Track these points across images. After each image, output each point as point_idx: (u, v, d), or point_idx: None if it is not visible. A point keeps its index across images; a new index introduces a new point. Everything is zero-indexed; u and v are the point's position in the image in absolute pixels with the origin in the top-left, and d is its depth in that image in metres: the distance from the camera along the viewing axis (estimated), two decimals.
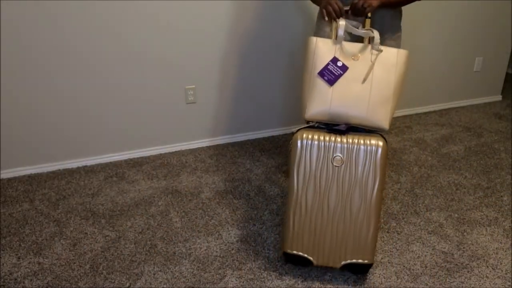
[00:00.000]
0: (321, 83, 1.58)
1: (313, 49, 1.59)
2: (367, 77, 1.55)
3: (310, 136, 1.54)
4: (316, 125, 1.64)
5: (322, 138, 1.54)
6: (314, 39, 1.60)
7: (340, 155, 1.54)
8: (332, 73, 1.57)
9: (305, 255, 1.62)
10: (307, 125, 1.65)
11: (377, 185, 1.53)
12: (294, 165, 1.55)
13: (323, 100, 1.56)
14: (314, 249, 1.62)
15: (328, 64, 1.57)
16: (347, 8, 1.72)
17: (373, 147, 1.50)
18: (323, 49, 1.59)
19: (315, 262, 1.63)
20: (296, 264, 1.66)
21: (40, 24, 2.13)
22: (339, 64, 1.57)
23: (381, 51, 1.56)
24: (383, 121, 1.56)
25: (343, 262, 1.61)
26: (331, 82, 1.55)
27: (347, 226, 1.58)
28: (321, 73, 1.57)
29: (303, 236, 1.61)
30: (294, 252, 1.63)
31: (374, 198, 1.54)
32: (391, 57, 1.57)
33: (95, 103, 2.39)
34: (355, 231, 1.57)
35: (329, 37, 1.87)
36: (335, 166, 1.54)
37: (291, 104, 2.85)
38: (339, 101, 1.56)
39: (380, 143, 1.50)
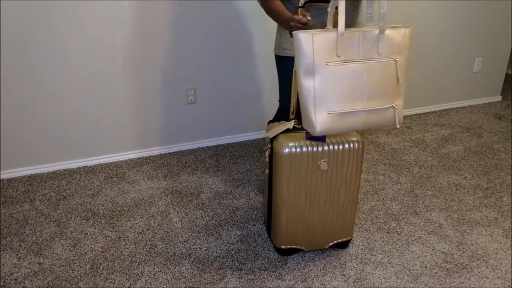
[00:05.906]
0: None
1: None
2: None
3: (296, 144, 1.54)
4: (291, 127, 1.62)
5: (307, 143, 1.55)
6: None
7: (326, 160, 1.56)
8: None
9: (298, 247, 1.74)
10: (281, 125, 1.62)
11: (358, 176, 1.63)
12: (283, 177, 1.58)
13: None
14: (305, 240, 1.72)
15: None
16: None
17: (355, 144, 1.57)
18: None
19: (305, 249, 1.76)
20: (287, 254, 1.76)
21: (40, 24, 2.13)
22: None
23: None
24: None
25: (330, 244, 1.75)
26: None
27: (334, 216, 1.69)
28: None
29: (295, 232, 1.70)
30: (288, 246, 1.73)
31: (355, 187, 1.65)
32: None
33: (96, 103, 2.39)
34: (341, 218, 1.71)
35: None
36: (323, 170, 1.57)
37: None
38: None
39: (359, 138, 1.58)
